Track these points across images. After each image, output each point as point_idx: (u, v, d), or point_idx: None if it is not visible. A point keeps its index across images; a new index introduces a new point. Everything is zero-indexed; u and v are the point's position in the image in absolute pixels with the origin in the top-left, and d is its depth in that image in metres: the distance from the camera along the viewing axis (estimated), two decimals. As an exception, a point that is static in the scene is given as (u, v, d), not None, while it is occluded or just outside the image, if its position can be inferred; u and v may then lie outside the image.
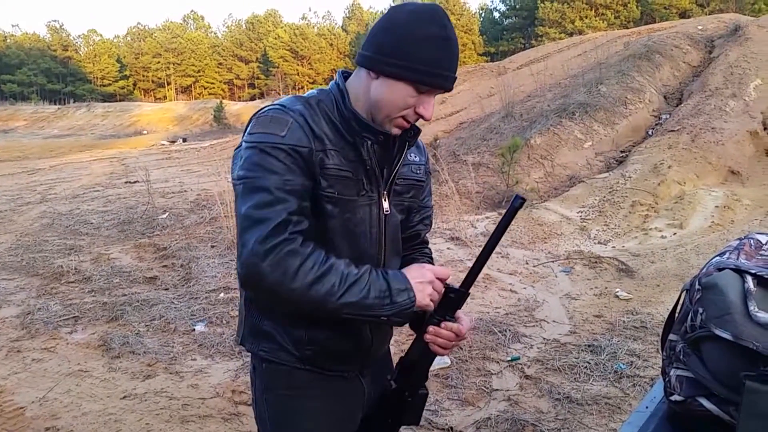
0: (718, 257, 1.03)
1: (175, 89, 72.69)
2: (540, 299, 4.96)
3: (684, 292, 1.04)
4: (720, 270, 0.96)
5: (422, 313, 1.30)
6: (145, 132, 32.77)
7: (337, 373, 1.36)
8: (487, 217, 7.65)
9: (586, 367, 3.67)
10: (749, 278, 0.91)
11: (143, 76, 73.63)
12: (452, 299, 1.25)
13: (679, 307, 1.05)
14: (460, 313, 1.28)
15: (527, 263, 5.97)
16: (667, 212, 7.21)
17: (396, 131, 1.25)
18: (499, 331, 4.22)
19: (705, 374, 0.93)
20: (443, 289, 1.26)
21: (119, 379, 3.66)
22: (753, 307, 0.87)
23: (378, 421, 1.38)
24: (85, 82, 68.84)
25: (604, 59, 13.09)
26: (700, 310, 0.94)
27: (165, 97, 68.96)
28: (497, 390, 3.48)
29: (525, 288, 5.26)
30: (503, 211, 6.76)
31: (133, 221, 8.29)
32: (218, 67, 72.40)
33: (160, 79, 73.03)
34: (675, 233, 6.66)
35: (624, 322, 4.38)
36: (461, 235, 6.75)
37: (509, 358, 3.84)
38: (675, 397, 1.00)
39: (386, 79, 1.19)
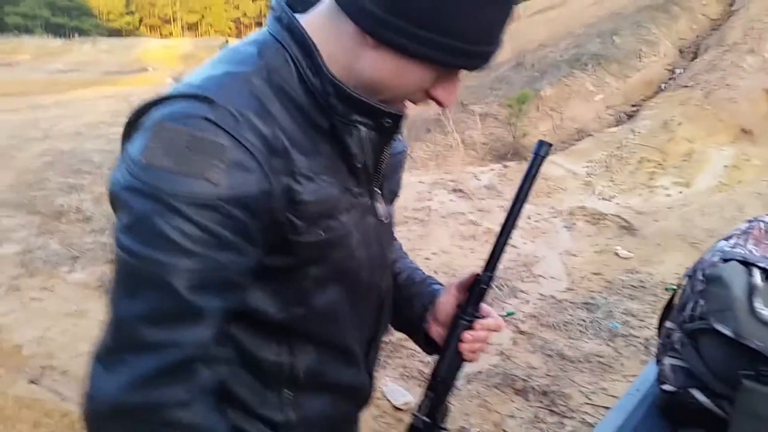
0: (724, 241, 0.98)
1: (181, 26, 71.44)
2: (540, 255, 4.94)
3: (686, 279, 0.99)
4: (726, 261, 0.90)
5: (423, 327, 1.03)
6: (150, 69, 32.29)
7: None
8: (491, 170, 7.56)
9: (580, 324, 3.68)
10: (757, 272, 0.86)
11: (149, 11, 72.22)
12: (483, 290, 0.94)
13: (679, 293, 1.00)
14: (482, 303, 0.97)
15: (529, 218, 5.92)
16: (674, 170, 7.11)
17: None
18: (496, 286, 4.21)
19: (701, 367, 0.90)
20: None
21: (116, 321, 3.69)
22: (758, 304, 0.82)
23: None
24: (90, 16, 67.51)
25: (620, 9, 12.68)
26: (702, 301, 0.90)
27: (171, 34, 67.87)
28: (490, 344, 3.49)
29: (525, 243, 5.24)
30: (508, 164, 6.56)
31: (135, 161, 8.22)
32: (225, 4, 70.87)
33: (166, 15, 71.65)
34: (681, 192, 6.59)
35: (622, 280, 4.37)
36: (464, 187, 6.68)
37: (504, 313, 3.84)
38: (667, 387, 0.96)
39: (395, 54, 0.73)
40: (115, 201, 0.70)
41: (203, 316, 0.69)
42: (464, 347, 0.94)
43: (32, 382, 3.07)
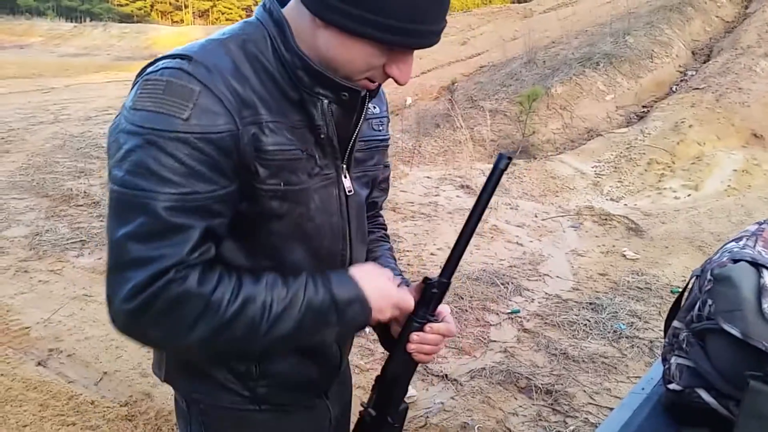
0: (733, 242, 0.98)
1: (193, 13, 71.28)
2: (546, 254, 4.93)
3: (694, 278, 0.99)
4: (735, 261, 0.91)
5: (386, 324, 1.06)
6: (160, 56, 32.20)
7: (300, 405, 1.08)
8: (499, 166, 7.54)
9: (585, 324, 3.68)
10: (766, 273, 0.86)
11: (161, -3, 72.00)
12: (435, 294, 0.98)
13: (686, 293, 1.01)
14: (441, 307, 1.02)
15: (536, 216, 5.92)
16: (683, 172, 7.07)
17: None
18: (502, 283, 4.22)
19: (707, 367, 0.90)
20: (406, 319, 1.00)
21: (123, 306, 3.71)
22: (767, 305, 0.83)
23: None
24: (101, 0, 67.46)
25: (634, 8, 12.59)
26: (710, 301, 0.90)
27: (182, 21, 67.67)
28: (494, 341, 3.51)
29: (531, 241, 5.23)
30: (516, 162, 6.54)
31: (144, 148, 8.23)
32: (237, -8, 70.58)
33: (177, 1, 71.48)
34: (689, 195, 6.56)
35: (628, 282, 4.36)
36: (471, 184, 6.68)
37: (509, 311, 3.85)
38: (673, 386, 0.97)
39: (339, 33, 0.82)
40: (111, 143, 0.83)
41: (183, 234, 0.80)
42: (410, 347, 0.98)
43: (39, 364, 3.09)
